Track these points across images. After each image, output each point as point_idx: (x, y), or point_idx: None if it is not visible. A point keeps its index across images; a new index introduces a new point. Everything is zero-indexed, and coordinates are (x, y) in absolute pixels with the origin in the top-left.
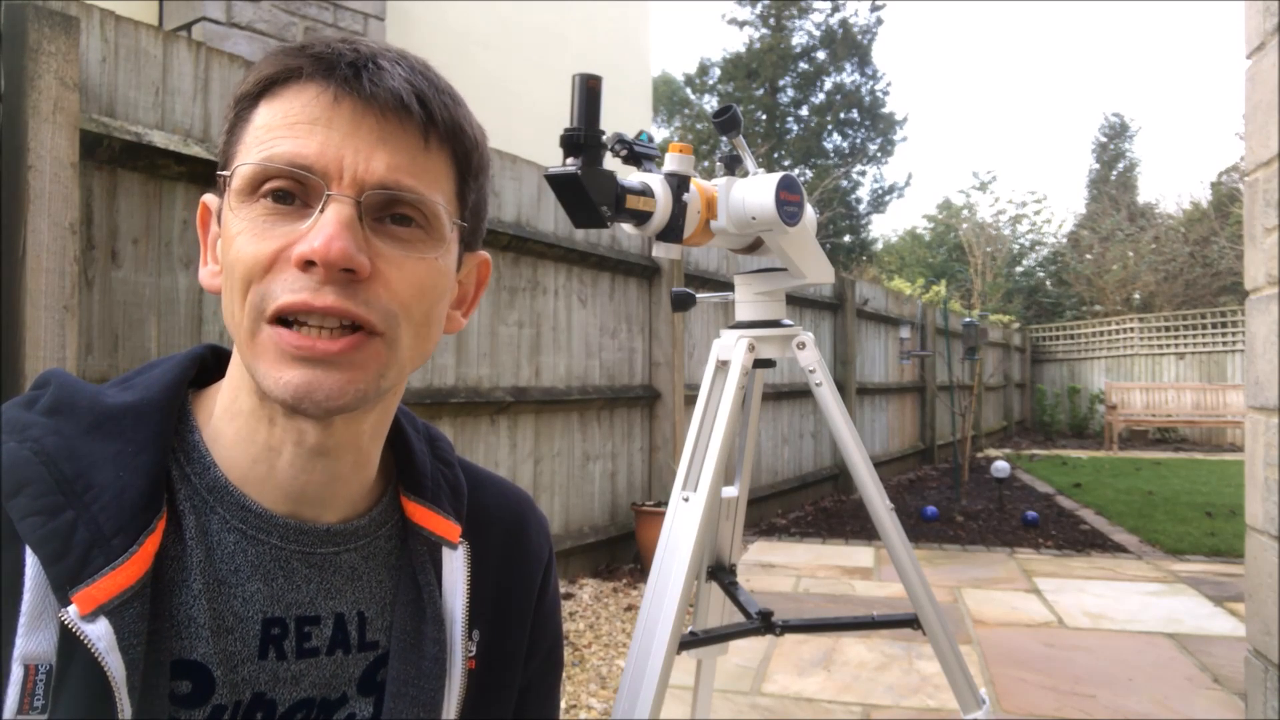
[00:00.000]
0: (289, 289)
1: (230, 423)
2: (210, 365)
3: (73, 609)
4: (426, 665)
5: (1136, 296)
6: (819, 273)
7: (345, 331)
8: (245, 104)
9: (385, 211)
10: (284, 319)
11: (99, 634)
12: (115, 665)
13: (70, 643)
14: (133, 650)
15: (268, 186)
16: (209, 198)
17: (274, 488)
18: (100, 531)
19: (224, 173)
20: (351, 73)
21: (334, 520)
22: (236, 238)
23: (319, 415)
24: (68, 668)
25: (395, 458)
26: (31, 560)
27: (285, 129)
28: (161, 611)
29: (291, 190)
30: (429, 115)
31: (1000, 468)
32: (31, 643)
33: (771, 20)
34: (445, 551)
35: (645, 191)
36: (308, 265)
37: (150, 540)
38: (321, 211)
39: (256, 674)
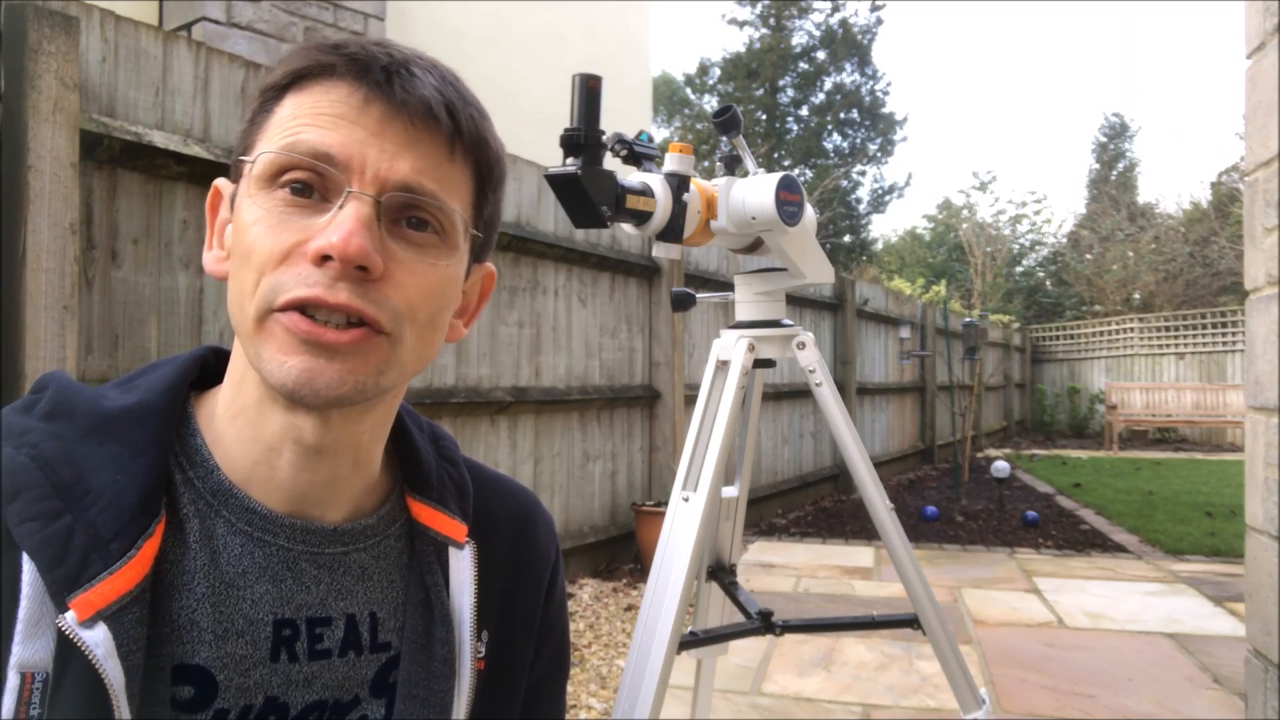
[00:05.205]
0: (303, 282)
1: (232, 423)
2: (212, 367)
3: (70, 615)
4: (436, 666)
5: (1136, 296)
6: (819, 273)
7: (352, 326)
8: (271, 94)
9: (402, 214)
10: (293, 309)
11: (97, 640)
12: (114, 672)
13: (67, 649)
14: (132, 656)
15: (288, 177)
16: (222, 182)
17: (276, 488)
18: (98, 536)
19: (245, 158)
20: (384, 76)
21: (338, 520)
22: (251, 227)
23: (318, 405)
24: (64, 675)
25: (400, 457)
26: (29, 566)
27: (310, 119)
28: (161, 616)
29: (311, 183)
30: (456, 126)
31: (1000, 468)
32: (28, 650)
33: (771, 20)
34: (452, 551)
35: (645, 191)
36: (323, 260)
37: (149, 544)
38: (341, 208)
39: (269, 677)
